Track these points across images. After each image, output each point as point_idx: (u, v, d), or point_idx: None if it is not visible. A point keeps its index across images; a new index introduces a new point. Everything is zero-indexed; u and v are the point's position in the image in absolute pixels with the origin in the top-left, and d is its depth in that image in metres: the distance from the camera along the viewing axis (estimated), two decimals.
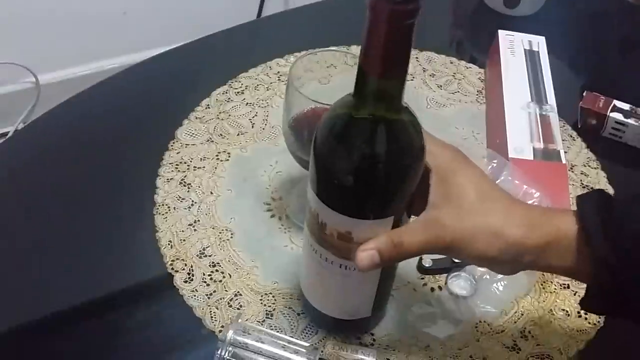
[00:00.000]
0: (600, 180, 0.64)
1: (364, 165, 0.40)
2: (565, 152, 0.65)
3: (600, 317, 0.53)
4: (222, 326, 0.51)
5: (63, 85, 1.49)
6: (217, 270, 0.55)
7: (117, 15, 1.48)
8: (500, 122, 0.63)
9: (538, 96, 0.65)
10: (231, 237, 0.57)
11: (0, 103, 1.45)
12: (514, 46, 0.70)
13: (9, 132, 1.46)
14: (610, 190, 0.62)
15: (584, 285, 0.42)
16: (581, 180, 0.63)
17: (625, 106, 0.67)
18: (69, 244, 0.57)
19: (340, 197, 0.41)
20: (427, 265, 0.55)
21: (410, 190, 0.42)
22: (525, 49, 0.70)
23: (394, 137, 0.40)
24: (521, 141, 0.60)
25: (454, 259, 0.55)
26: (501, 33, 0.72)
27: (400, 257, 0.42)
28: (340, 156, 0.40)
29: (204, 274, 0.55)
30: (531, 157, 0.59)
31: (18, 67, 1.42)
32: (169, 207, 0.59)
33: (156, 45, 1.55)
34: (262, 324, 0.51)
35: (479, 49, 0.79)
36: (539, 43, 0.71)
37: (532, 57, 0.69)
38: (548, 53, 0.70)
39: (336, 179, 0.40)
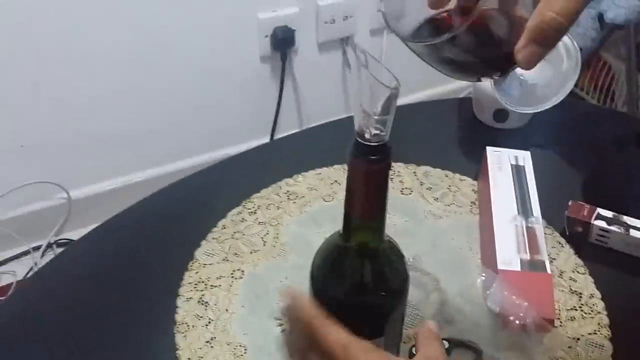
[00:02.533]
0: (588, 286, 0.68)
1: (355, 291, 0.45)
2: (553, 260, 0.70)
3: None
4: None
5: (93, 199, 1.59)
6: None
7: (143, 132, 1.60)
8: (490, 235, 0.69)
9: (524, 209, 0.70)
10: (244, 353, 0.62)
11: (34, 218, 1.54)
12: (501, 161, 0.77)
13: (41, 245, 1.55)
14: (598, 295, 0.67)
15: None
16: (570, 286, 0.68)
17: (609, 214, 0.72)
18: None
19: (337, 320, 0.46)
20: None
21: (399, 311, 0.47)
22: (511, 164, 0.76)
23: (379, 266, 0.45)
24: (509, 253, 0.65)
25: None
26: (489, 150, 0.78)
27: None
28: (332, 286, 0.46)
29: None
30: (518, 268, 0.64)
31: (51, 185, 1.52)
32: (188, 326, 0.65)
33: (178, 159, 1.67)
34: None
35: (471, 161, 0.86)
36: (525, 157, 0.77)
37: (518, 171, 0.75)
38: (535, 163, 0.76)
39: (330, 305, 0.46)
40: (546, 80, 0.50)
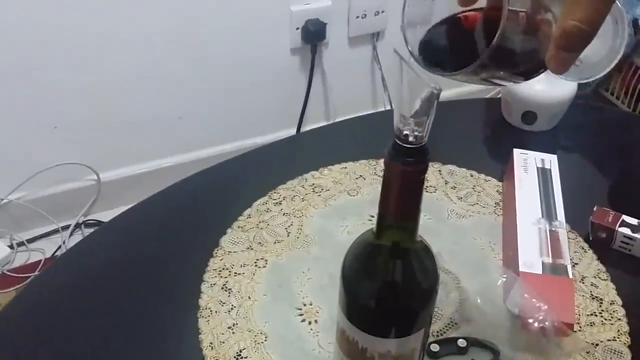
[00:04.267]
0: (609, 292, 0.68)
1: (386, 290, 0.46)
2: (575, 265, 0.70)
3: None
4: None
5: (121, 182, 1.62)
6: None
7: (173, 119, 1.62)
8: (513, 237, 0.69)
9: (548, 212, 0.70)
10: (265, 340, 0.64)
11: (64, 199, 1.58)
12: (527, 164, 0.77)
13: (70, 225, 1.58)
14: (619, 302, 0.67)
15: None
16: (591, 292, 0.68)
17: (634, 221, 0.72)
18: (118, 341, 0.64)
19: (378, 323, 0.47)
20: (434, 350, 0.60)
21: (428, 311, 0.48)
22: (537, 167, 0.76)
23: (412, 266, 0.46)
24: (531, 256, 0.66)
25: (459, 344, 0.60)
26: (516, 152, 0.79)
27: None
28: (364, 284, 0.46)
29: None
30: (540, 272, 0.64)
31: (81, 167, 1.56)
32: (211, 311, 0.66)
33: (207, 146, 1.69)
34: None
35: (497, 162, 0.86)
36: (551, 161, 0.77)
37: (544, 174, 0.75)
38: (562, 167, 0.76)
39: (361, 302, 0.46)
40: (594, 51, 0.50)
